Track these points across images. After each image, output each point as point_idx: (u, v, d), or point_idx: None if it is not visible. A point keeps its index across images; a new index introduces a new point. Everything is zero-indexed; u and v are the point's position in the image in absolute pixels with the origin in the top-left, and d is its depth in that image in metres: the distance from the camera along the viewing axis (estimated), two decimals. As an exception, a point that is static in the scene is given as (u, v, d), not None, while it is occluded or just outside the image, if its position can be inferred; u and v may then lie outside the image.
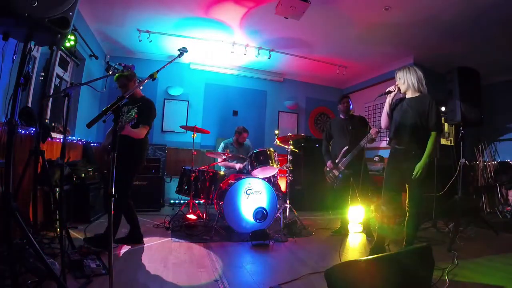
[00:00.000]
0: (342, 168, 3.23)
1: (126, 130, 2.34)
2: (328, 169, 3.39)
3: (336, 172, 3.28)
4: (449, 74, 3.12)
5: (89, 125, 1.53)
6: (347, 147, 3.21)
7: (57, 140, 3.26)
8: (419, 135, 2.33)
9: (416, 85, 2.40)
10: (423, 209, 2.47)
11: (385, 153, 3.45)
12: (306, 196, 5.21)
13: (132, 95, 2.72)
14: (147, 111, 2.61)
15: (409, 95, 2.46)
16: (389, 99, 2.48)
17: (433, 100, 2.34)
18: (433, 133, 2.30)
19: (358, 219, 3.52)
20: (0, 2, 1.33)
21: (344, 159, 3.21)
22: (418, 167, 2.27)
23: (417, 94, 2.41)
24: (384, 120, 2.53)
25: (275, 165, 3.52)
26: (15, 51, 1.80)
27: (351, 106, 3.46)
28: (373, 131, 2.97)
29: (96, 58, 4.41)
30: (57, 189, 2.35)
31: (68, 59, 4.00)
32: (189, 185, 3.66)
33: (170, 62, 1.99)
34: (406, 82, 2.42)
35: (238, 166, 4.12)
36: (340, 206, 3.48)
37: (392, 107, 2.49)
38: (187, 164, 4.94)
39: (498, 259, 2.58)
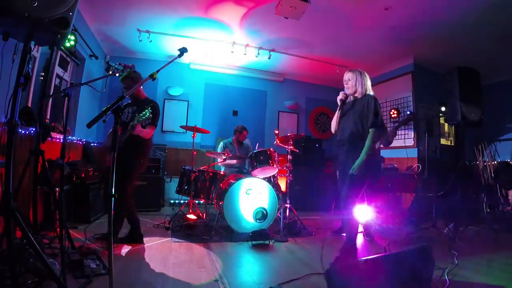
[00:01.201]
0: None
1: (138, 129, 2.39)
2: (338, 167, 3.38)
3: None
4: (449, 74, 3.13)
5: (89, 125, 1.53)
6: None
7: (57, 140, 3.26)
8: (359, 134, 2.36)
9: (363, 89, 2.45)
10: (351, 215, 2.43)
11: (385, 153, 3.44)
12: (306, 196, 5.21)
13: (136, 96, 2.74)
14: (154, 111, 2.64)
15: (353, 98, 2.51)
16: (340, 105, 2.50)
17: (374, 98, 2.38)
18: (371, 130, 2.33)
19: (359, 219, 3.51)
20: (0, 2, 1.33)
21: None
22: (356, 163, 2.29)
23: (360, 96, 2.47)
24: (334, 125, 2.56)
25: (275, 165, 3.52)
26: (15, 51, 1.80)
27: None
28: (390, 132, 3.04)
29: (96, 58, 4.41)
30: (57, 189, 2.35)
31: (68, 59, 4.00)
32: (189, 185, 3.66)
33: (170, 62, 1.99)
34: (355, 86, 2.46)
35: (234, 161, 4.19)
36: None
37: (344, 112, 2.53)
38: (187, 164, 4.93)
39: (498, 259, 2.58)
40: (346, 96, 2.49)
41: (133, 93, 2.61)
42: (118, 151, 2.40)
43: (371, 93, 2.49)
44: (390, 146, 3.01)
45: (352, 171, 2.29)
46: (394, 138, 3.34)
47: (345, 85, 2.50)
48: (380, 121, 2.37)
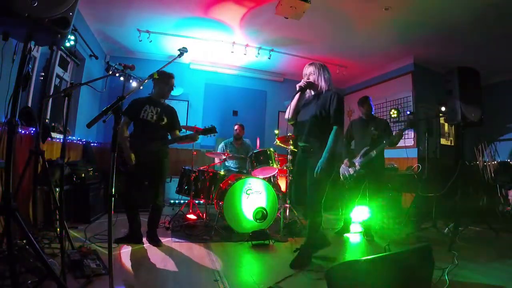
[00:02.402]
0: (358, 167, 3.22)
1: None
2: (343, 166, 3.37)
3: (351, 171, 3.27)
4: (449, 74, 3.12)
5: (89, 125, 1.53)
6: (367, 147, 3.22)
7: (57, 140, 3.26)
8: (318, 130, 2.26)
9: (327, 84, 2.36)
10: (319, 217, 2.27)
11: (385, 153, 3.44)
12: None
13: (158, 97, 2.80)
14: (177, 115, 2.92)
15: (315, 91, 2.44)
16: (298, 95, 2.44)
17: (336, 94, 2.28)
18: (334, 127, 2.21)
19: (360, 219, 3.50)
20: (0, 2, 1.32)
21: (362, 159, 3.22)
22: (318, 163, 2.15)
23: (322, 91, 2.38)
24: (289, 113, 2.46)
25: (275, 165, 3.52)
26: (15, 51, 1.80)
27: (373, 108, 3.47)
28: (396, 135, 3.09)
29: (96, 58, 4.41)
30: (57, 189, 2.35)
31: (68, 59, 3.99)
32: (189, 185, 3.66)
33: (170, 62, 1.99)
34: (317, 81, 2.38)
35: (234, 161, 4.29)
36: (346, 205, 3.45)
37: (303, 104, 2.45)
38: (187, 164, 4.93)
39: (498, 259, 2.58)
40: (309, 84, 2.40)
41: (159, 93, 2.78)
42: (151, 156, 2.70)
43: (333, 88, 2.39)
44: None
45: (315, 174, 2.15)
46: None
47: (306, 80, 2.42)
48: (342, 119, 2.25)
